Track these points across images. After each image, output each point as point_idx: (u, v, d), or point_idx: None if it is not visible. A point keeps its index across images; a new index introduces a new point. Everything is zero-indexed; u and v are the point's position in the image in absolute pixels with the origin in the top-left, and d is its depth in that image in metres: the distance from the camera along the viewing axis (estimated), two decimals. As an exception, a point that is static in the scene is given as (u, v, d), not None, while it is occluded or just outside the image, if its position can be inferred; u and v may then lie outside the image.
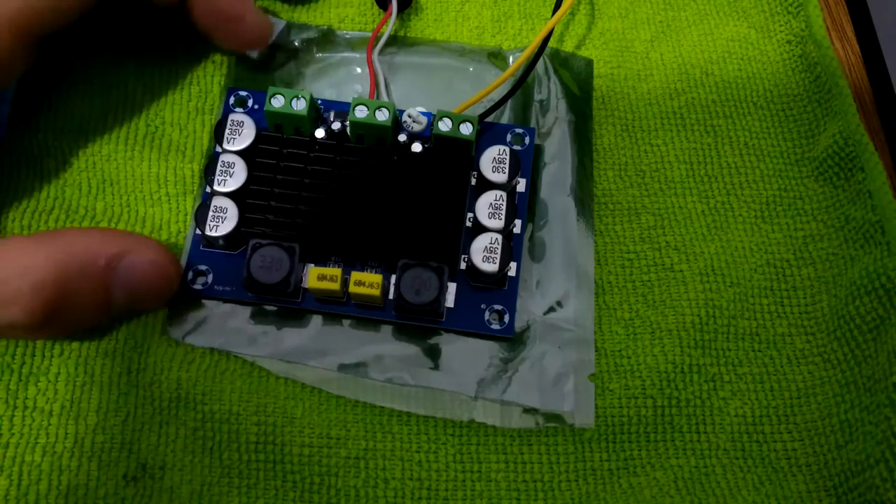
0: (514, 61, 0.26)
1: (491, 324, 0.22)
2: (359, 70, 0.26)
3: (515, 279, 0.22)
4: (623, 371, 0.22)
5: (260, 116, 0.24)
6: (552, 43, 0.27)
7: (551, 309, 0.23)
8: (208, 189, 0.22)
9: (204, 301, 0.22)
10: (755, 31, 0.27)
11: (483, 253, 0.22)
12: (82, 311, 0.20)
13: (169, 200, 0.23)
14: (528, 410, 0.22)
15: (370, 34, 0.26)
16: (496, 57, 0.26)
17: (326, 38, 0.26)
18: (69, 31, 0.22)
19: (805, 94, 0.26)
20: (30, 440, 0.20)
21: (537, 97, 0.25)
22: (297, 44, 0.26)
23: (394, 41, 0.26)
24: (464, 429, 0.22)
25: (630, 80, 0.26)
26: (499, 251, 0.22)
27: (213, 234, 0.22)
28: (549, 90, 0.25)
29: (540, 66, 0.26)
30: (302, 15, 0.27)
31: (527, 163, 0.24)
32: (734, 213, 0.24)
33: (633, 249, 0.24)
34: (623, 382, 0.22)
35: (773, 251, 0.24)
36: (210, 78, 0.25)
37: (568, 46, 0.27)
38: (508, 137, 0.24)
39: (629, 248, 0.24)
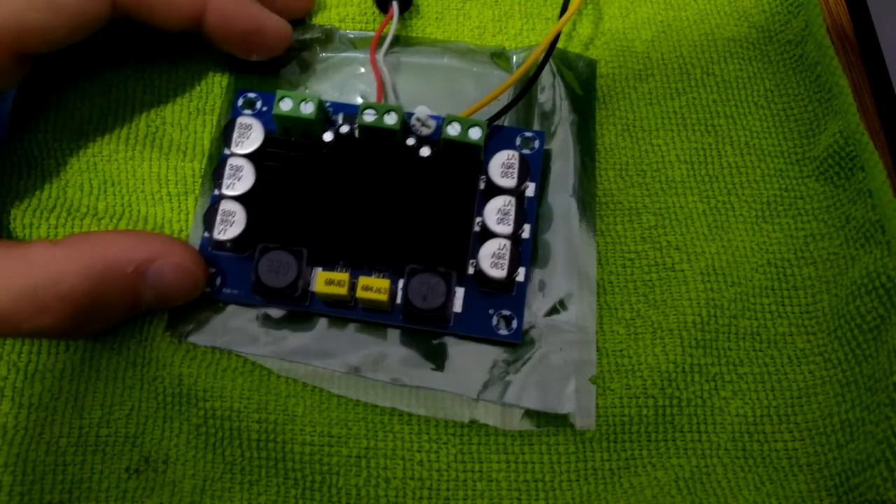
0: (518, 62, 0.26)
1: (499, 329, 0.22)
2: (362, 70, 0.26)
3: (524, 284, 0.22)
4: (624, 371, 0.22)
5: (268, 119, 0.24)
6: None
7: (553, 310, 0.23)
8: (216, 192, 0.22)
9: (208, 301, 0.22)
10: (756, 31, 0.27)
11: (491, 259, 0.22)
12: (111, 314, 0.20)
13: (170, 200, 0.23)
14: (530, 412, 0.22)
15: (372, 33, 0.26)
16: (499, 57, 0.26)
17: (329, 38, 0.26)
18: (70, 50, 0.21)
19: (805, 94, 0.26)
20: (34, 436, 0.20)
21: (541, 98, 0.25)
22: (300, 43, 0.26)
23: (396, 41, 0.26)
24: (465, 428, 0.22)
25: (631, 79, 0.26)
26: (507, 257, 0.22)
27: (222, 237, 0.22)
28: (554, 91, 0.25)
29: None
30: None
31: (536, 167, 0.23)
32: (735, 213, 0.24)
33: (635, 249, 0.24)
34: (624, 382, 0.22)
35: (773, 251, 0.24)
36: (210, 78, 0.25)
37: (568, 46, 0.27)
38: (518, 141, 0.24)
39: (630, 248, 0.24)
